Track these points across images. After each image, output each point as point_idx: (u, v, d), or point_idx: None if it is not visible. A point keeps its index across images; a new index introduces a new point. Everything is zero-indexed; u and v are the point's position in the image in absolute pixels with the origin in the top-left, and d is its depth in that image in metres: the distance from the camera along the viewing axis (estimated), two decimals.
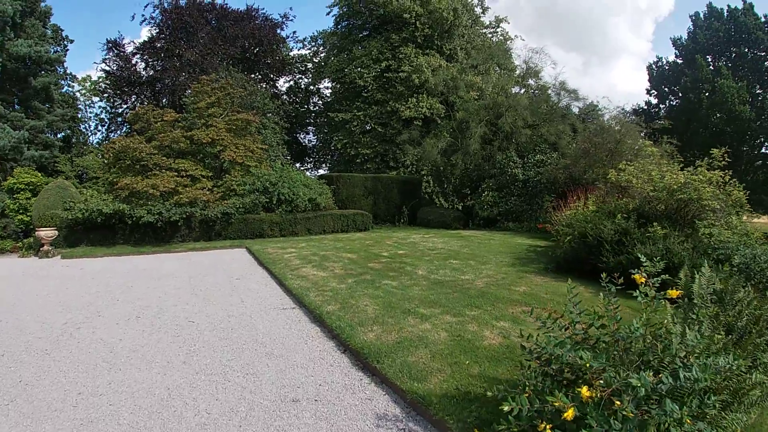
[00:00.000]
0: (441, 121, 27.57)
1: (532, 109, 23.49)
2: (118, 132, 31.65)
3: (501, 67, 31.07)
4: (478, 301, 7.60)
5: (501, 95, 24.54)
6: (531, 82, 26.34)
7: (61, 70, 29.84)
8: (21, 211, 17.62)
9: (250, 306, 8.37)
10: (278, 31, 32.58)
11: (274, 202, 18.74)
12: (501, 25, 35.17)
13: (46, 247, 14.71)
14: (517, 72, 28.90)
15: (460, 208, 25.18)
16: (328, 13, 37.34)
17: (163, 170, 17.77)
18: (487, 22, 34.83)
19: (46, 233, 14.62)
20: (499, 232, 19.30)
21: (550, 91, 24.92)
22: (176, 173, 17.89)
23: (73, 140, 29.90)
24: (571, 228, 10.92)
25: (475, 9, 32.97)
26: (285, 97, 36.05)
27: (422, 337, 5.96)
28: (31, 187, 18.14)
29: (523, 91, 26.23)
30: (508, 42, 34.38)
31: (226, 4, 31.46)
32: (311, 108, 38.92)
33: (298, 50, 37.39)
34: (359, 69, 29.08)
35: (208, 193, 17.84)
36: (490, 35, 34.75)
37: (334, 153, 36.73)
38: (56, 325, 7.33)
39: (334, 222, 20.29)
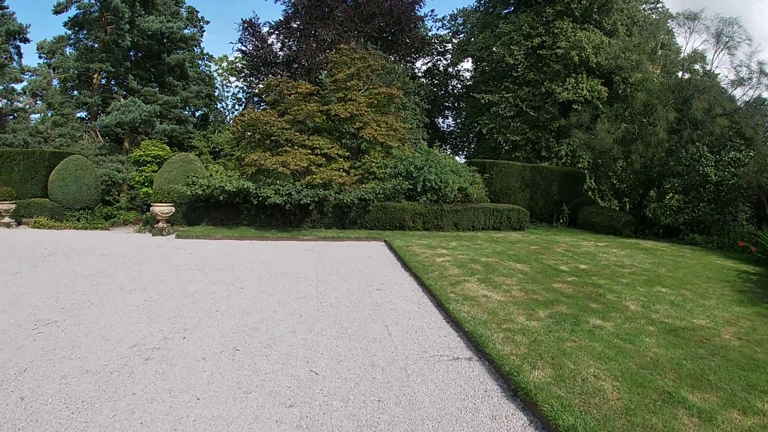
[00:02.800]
0: (603, 106, 23.21)
1: (729, 95, 18.88)
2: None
3: (665, 47, 25.84)
4: (758, 377, 4.51)
5: (695, 73, 19.69)
6: (697, 66, 21.14)
7: (198, 49, 29.74)
8: (147, 184, 16.50)
9: (401, 345, 5.20)
10: (416, 8, 29.87)
11: (419, 190, 15.64)
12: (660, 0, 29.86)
13: (160, 224, 13.00)
14: (683, 54, 23.72)
15: (617, 209, 21.13)
16: None
17: (296, 147, 15.40)
18: None
19: (161, 209, 12.83)
20: (684, 245, 15.30)
21: (743, 74, 19.58)
22: (310, 151, 15.43)
23: (210, 118, 29.61)
24: None
25: None
26: (423, 79, 33.34)
27: None
28: (158, 159, 16.91)
29: (688, 75, 21.25)
30: (669, 20, 29.14)
31: None
32: (450, 91, 35.85)
33: (437, 30, 34.60)
34: (508, 46, 25.30)
35: (344, 174, 15.18)
36: (649, 11, 29.60)
37: (472, 139, 33.58)
38: (120, 349, 4.67)
39: (486, 217, 16.75)
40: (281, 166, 13.98)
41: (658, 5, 30.01)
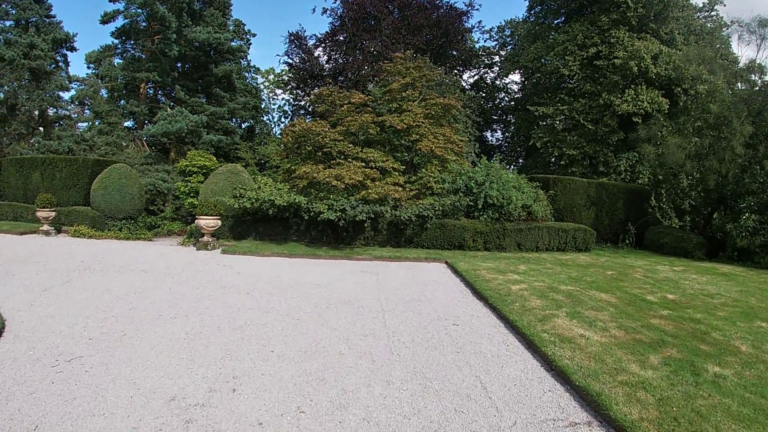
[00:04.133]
0: (663, 119, 21.73)
1: None
2: None
3: (722, 57, 24.30)
4: None
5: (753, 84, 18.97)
6: (754, 77, 19.97)
7: (245, 62, 29.57)
8: (192, 194, 15.96)
9: (503, 405, 4.28)
10: (464, 20, 28.93)
11: (480, 206, 14.38)
12: (715, 7, 28.35)
13: (206, 238, 12.14)
14: (740, 63, 22.26)
15: (678, 227, 20.48)
16: None
17: (349, 159, 14.36)
18: (700, 5, 28.38)
19: (207, 222, 11.93)
20: (762, 269, 14.45)
21: None
22: (364, 164, 14.36)
23: (257, 130, 29.31)
24: None
25: None
26: (470, 92, 32.35)
27: None
28: (204, 170, 16.38)
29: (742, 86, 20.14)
30: (724, 28, 27.82)
31: None
32: (497, 104, 35.02)
33: (484, 41, 33.80)
34: (562, 56, 24.14)
35: (399, 189, 14.02)
36: (703, 20, 28.14)
37: (521, 153, 32.54)
38: (154, 403, 3.64)
39: (550, 237, 15.41)
40: (335, 180, 12.92)
41: (713, 13, 28.72)
